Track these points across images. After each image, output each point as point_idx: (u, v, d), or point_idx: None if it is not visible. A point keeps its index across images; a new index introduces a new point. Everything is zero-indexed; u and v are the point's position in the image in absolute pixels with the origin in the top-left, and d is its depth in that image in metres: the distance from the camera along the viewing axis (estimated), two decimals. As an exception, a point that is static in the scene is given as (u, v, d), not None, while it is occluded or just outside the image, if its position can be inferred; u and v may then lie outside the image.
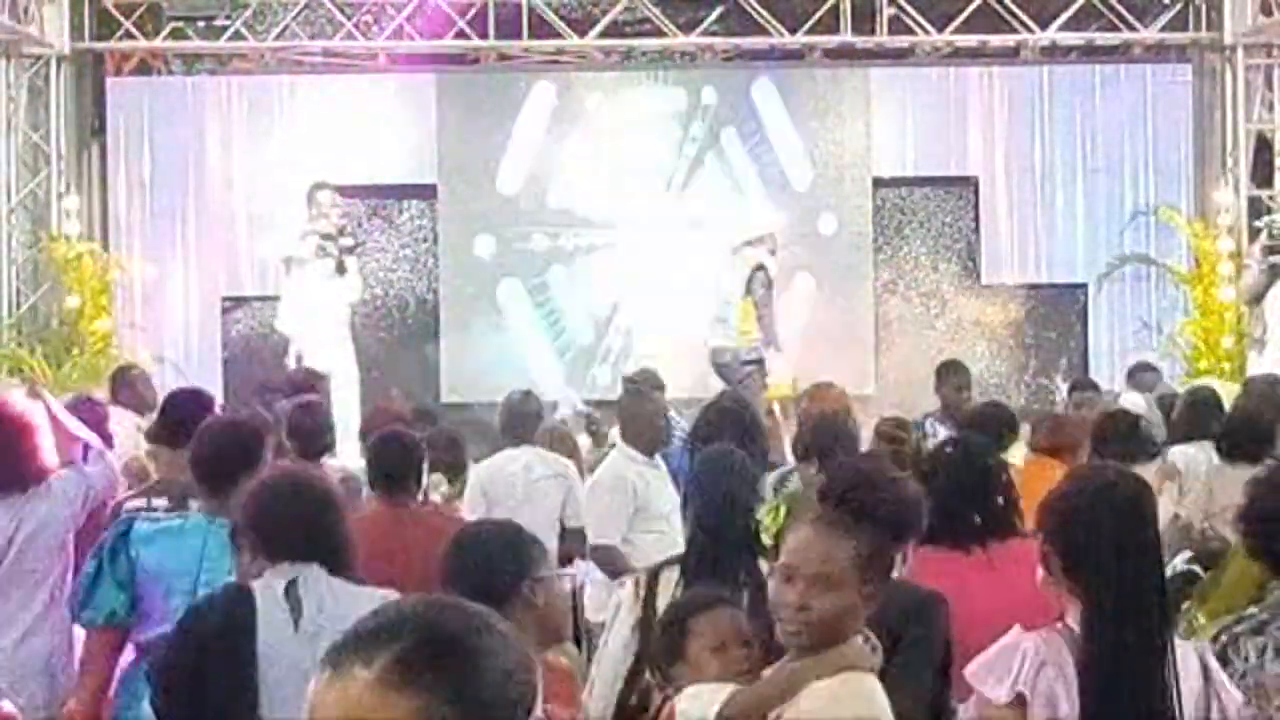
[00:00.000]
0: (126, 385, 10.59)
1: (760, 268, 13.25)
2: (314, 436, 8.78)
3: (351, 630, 1.88)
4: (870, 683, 3.64)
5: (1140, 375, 12.37)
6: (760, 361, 13.12)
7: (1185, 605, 6.50)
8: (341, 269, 13.46)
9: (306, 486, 4.75)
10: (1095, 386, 12.06)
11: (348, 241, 13.62)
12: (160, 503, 6.21)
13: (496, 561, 4.06)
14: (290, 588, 4.54)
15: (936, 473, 5.42)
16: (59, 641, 6.16)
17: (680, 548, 5.33)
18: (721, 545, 5.04)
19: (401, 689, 1.82)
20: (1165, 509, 9.28)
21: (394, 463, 7.05)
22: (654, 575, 5.16)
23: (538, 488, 8.50)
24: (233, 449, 5.48)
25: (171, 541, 5.28)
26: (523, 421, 8.95)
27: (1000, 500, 5.44)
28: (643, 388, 9.06)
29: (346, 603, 4.43)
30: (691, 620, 4.11)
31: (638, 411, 8.41)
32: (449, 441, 9.00)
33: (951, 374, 11.14)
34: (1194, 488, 9.02)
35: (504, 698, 1.86)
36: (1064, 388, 12.36)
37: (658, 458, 8.11)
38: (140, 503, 7.16)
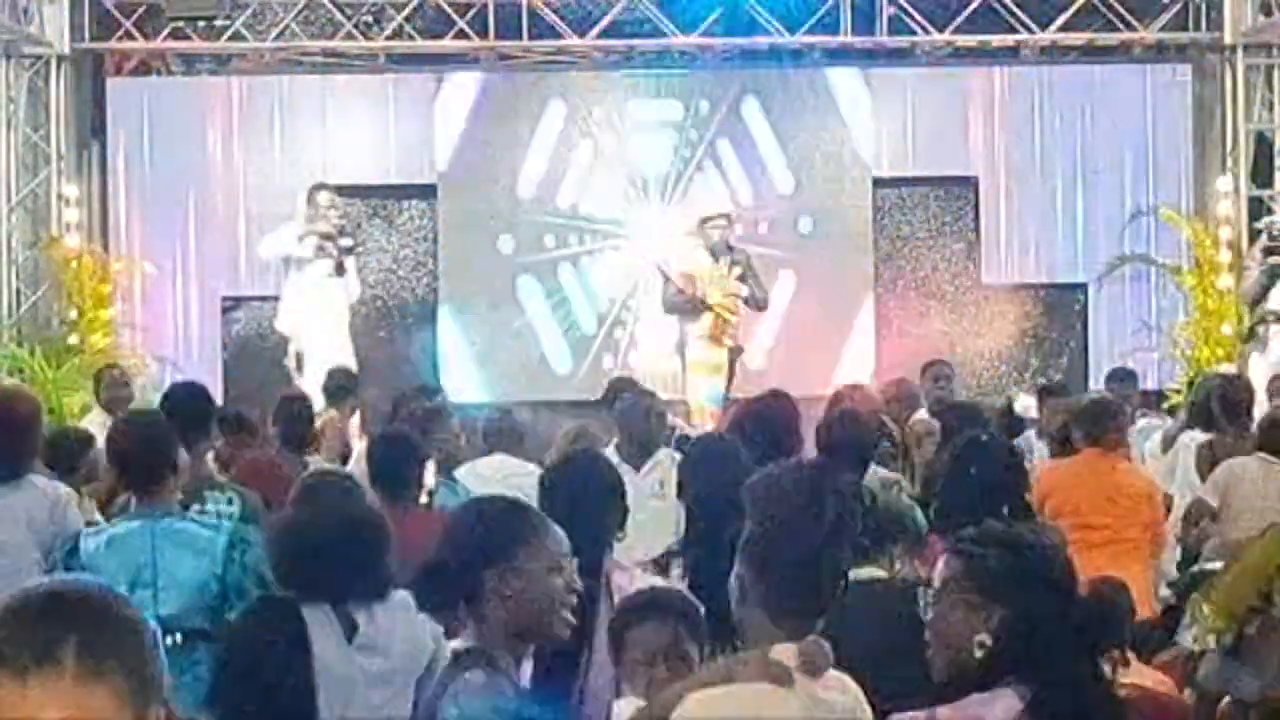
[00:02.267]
0: (101, 386, 11.44)
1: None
2: (299, 427, 8.86)
3: (7, 635, 1.89)
4: (725, 698, 3.24)
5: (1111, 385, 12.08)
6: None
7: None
8: (341, 269, 13.47)
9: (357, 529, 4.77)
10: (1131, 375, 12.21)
11: (347, 242, 13.63)
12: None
13: (460, 542, 3.71)
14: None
15: (970, 464, 5.49)
16: None
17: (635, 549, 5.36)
18: (714, 540, 5.04)
19: (96, 679, 1.88)
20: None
21: (396, 464, 7.06)
22: (664, 564, 5.16)
23: (525, 483, 8.60)
24: (157, 447, 5.59)
25: (118, 546, 5.43)
26: (502, 436, 9.19)
27: (1022, 492, 5.61)
28: (642, 389, 9.12)
29: (392, 617, 4.54)
30: (627, 631, 4.12)
31: (627, 411, 8.52)
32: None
33: (930, 368, 11.21)
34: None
35: (156, 660, 1.96)
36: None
37: (660, 453, 8.11)
38: None
